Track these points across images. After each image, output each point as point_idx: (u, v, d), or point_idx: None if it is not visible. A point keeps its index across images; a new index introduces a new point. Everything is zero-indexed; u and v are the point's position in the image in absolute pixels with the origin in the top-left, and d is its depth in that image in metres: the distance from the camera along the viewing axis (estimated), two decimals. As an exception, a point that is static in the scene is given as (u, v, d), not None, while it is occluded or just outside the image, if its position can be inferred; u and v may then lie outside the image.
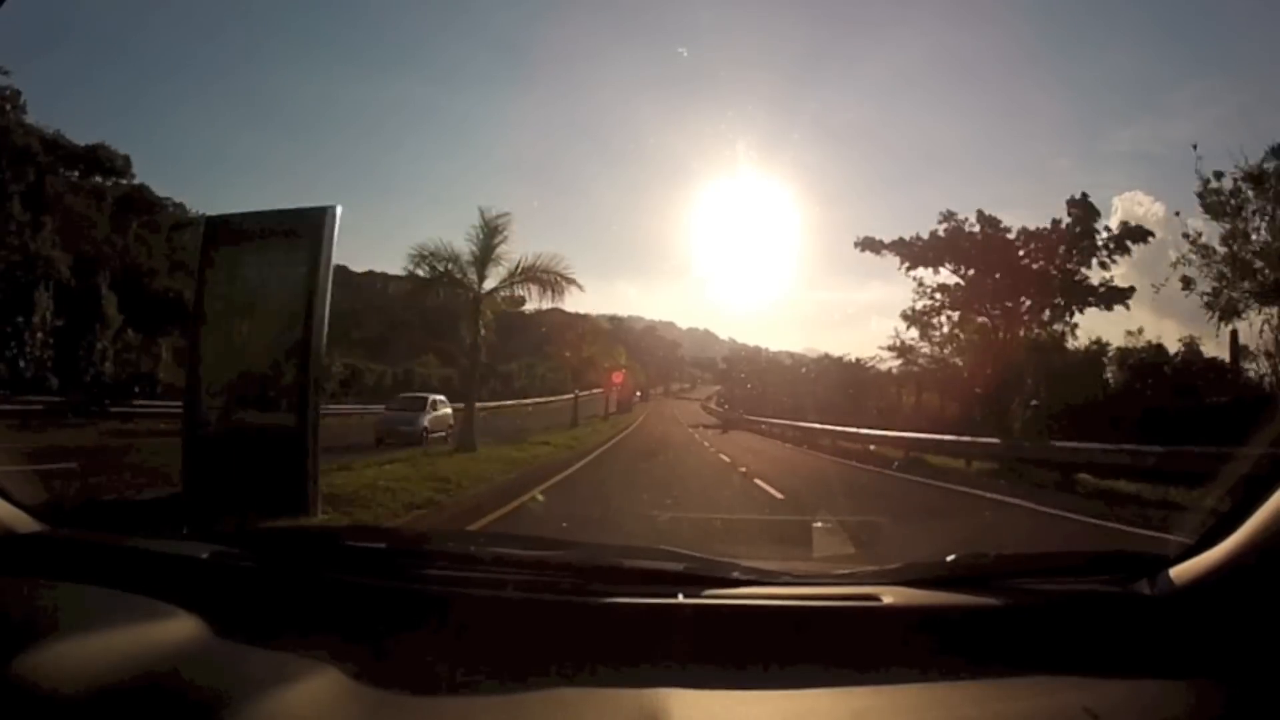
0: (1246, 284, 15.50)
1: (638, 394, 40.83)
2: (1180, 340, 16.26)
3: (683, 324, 64.52)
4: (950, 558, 1.35)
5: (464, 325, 16.01)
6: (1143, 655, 1.09)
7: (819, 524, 5.29)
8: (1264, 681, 1.01)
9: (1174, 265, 17.27)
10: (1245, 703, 1.00)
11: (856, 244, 23.24)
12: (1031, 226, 21.55)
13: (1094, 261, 20.96)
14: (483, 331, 15.48)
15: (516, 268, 15.38)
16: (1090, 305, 20.78)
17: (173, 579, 1.34)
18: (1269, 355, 15.22)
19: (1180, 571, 1.19)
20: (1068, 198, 21.42)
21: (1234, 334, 15.67)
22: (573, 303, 22.05)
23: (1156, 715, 1.01)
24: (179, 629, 1.15)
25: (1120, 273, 20.90)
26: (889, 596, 1.24)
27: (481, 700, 1.03)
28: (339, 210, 6.81)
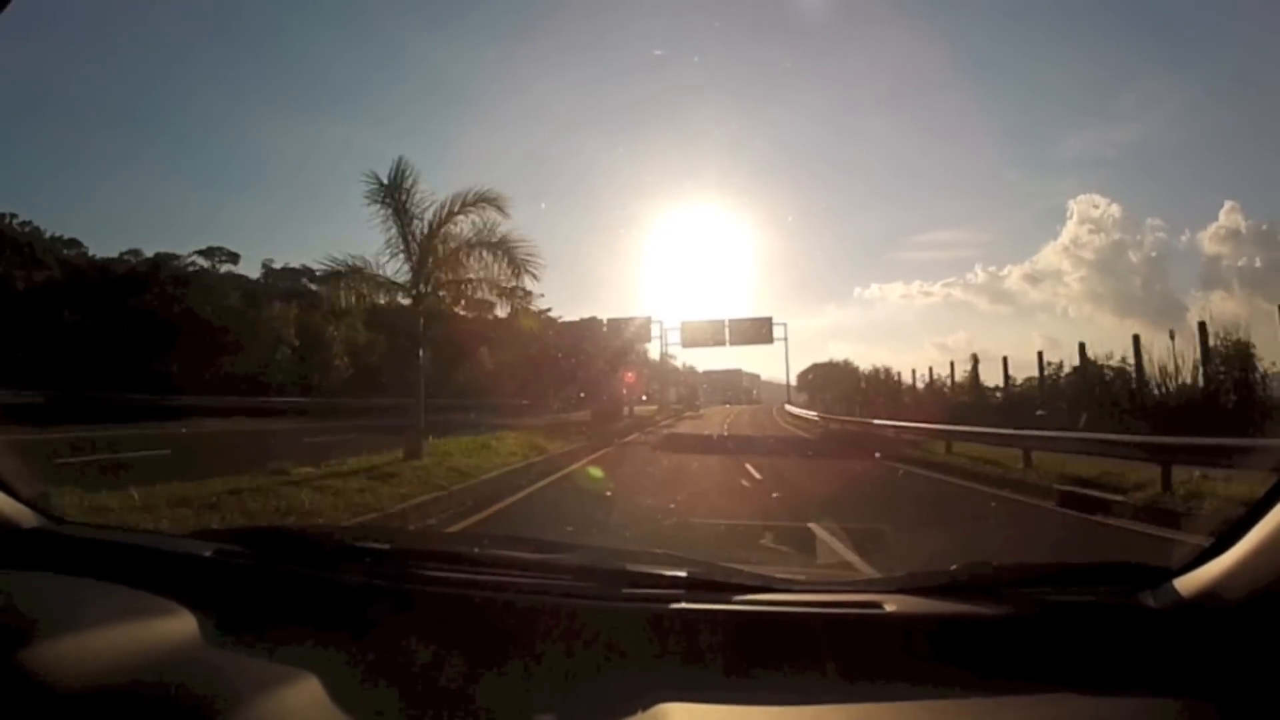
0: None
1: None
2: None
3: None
4: (953, 566, 1.35)
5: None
6: (1144, 669, 1.07)
7: (821, 529, 5.28)
8: (1264, 703, 0.99)
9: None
10: None
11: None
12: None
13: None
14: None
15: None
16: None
17: (176, 576, 1.35)
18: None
19: (1185, 582, 1.16)
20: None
21: (1202, 325, 14.39)
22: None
23: None
24: (181, 626, 1.15)
25: (1081, 275, 21.27)
26: (891, 604, 1.23)
27: (481, 703, 1.03)
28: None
